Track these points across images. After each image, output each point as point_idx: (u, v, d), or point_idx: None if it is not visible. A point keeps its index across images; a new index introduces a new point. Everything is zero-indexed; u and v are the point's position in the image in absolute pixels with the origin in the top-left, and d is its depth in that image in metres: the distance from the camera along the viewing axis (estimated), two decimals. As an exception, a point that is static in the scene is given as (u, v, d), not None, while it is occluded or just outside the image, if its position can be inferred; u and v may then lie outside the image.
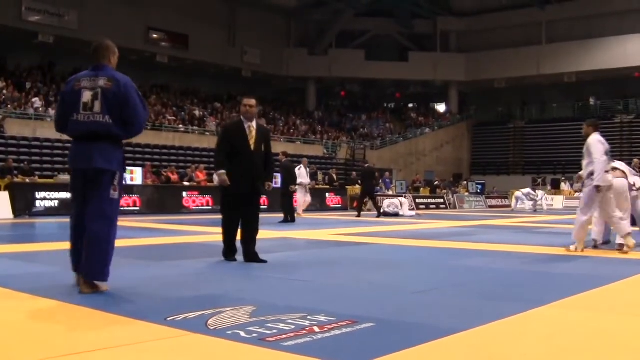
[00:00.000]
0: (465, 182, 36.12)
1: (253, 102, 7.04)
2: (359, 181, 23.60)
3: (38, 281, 5.38)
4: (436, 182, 33.42)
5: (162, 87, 36.36)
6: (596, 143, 8.36)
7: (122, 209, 17.76)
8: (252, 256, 6.92)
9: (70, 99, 4.86)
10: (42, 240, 10.00)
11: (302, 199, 18.39)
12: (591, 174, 8.32)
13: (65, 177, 19.30)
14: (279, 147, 32.70)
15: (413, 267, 6.95)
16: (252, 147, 6.98)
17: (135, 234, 10.98)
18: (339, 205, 24.78)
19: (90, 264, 4.70)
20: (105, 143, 4.79)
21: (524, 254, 8.40)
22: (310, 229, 12.98)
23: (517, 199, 28.09)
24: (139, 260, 7.10)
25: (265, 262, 6.86)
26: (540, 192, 28.41)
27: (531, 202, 27.01)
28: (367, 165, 21.52)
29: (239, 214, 6.97)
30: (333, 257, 7.83)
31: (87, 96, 4.79)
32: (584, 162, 8.48)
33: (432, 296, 4.95)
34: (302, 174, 17.92)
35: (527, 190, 28.37)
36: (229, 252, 7.07)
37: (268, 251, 8.06)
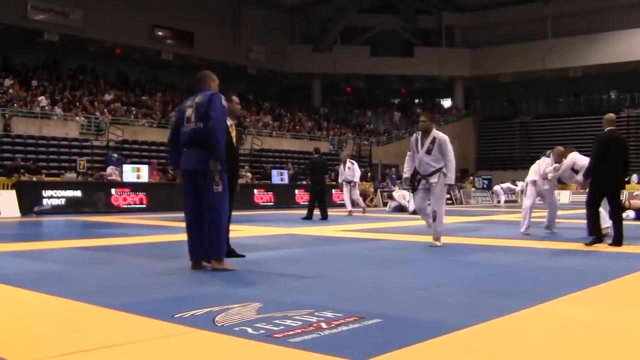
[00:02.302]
0: (471, 178, 36.05)
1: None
2: (306, 175, 20.09)
3: (44, 279, 5.40)
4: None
5: (168, 84, 36.40)
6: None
7: (128, 206, 17.97)
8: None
9: (179, 115, 6.09)
10: (49, 238, 10.02)
11: (346, 196, 18.04)
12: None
13: (71, 176, 19.37)
14: (285, 143, 32.83)
15: (419, 263, 6.94)
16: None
17: (142, 231, 11.00)
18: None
19: (209, 248, 5.84)
20: (201, 148, 5.79)
21: (530, 248, 8.38)
22: (315, 225, 12.98)
23: (496, 193, 27.49)
24: (146, 258, 7.12)
25: (243, 256, 6.88)
26: (521, 184, 27.68)
27: (504, 197, 26.32)
28: (317, 155, 16.27)
29: None
30: (339, 254, 7.83)
31: (188, 112, 5.92)
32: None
33: (439, 292, 4.94)
34: (340, 170, 17.96)
35: (507, 184, 27.34)
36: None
37: (274, 247, 8.06)
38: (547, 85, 44.86)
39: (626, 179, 8.67)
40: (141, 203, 18.55)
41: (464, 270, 6.20)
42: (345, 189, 17.76)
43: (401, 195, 21.14)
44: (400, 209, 20.58)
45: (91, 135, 25.12)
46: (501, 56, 43.64)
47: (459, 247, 8.57)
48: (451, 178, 8.30)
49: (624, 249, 8.25)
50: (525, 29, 43.48)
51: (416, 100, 51.06)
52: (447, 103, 50.71)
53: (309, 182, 16.13)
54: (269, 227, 12.03)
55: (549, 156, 11.01)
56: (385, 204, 23.70)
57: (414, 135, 8.70)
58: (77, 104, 27.24)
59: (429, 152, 8.33)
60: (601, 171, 8.52)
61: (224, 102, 5.92)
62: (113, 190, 18.15)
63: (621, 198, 9.42)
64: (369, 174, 31.34)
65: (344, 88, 49.58)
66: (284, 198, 22.57)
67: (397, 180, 28.68)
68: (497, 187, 27.41)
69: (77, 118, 25.50)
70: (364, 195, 25.19)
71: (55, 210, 16.61)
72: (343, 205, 23.71)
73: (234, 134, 7.19)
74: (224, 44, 38.72)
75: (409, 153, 8.74)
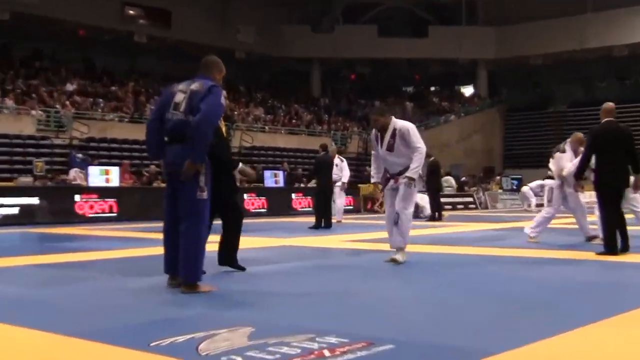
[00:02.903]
0: (498, 178, 36.06)
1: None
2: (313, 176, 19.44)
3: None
4: (463, 178, 33.37)
5: (141, 72, 36.46)
6: None
7: (96, 215, 17.97)
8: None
9: (166, 98, 5.95)
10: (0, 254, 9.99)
11: (339, 201, 17.74)
12: None
13: (26, 180, 19.33)
14: (279, 139, 32.87)
15: (437, 277, 6.93)
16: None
17: (112, 244, 10.99)
18: (351, 207, 24.77)
19: (183, 269, 5.75)
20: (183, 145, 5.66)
21: (567, 260, 8.37)
22: (317, 235, 12.98)
23: (524, 196, 27.04)
24: (117, 276, 7.11)
25: (243, 269, 7.06)
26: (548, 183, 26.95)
27: (535, 200, 25.80)
28: (323, 152, 16.27)
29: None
30: (345, 267, 7.83)
31: (179, 97, 5.79)
32: None
33: (461, 311, 4.93)
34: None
35: (537, 182, 25.90)
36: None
37: (268, 261, 8.05)
38: (586, 67, 44.86)
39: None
40: (111, 211, 18.54)
41: (489, 286, 6.19)
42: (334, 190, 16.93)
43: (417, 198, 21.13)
44: (414, 214, 20.54)
45: (50, 132, 25.13)
46: (532, 35, 43.58)
47: (479, 259, 8.56)
48: (415, 170, 7.76)
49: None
50: (560, 2, 43.41)
51: (432, 88, 51.18)
52: (468, 91, 50.78)
53: (316, 183, 15.97)
54: (261, 238, 12.01)
55: (564, 151, 10.98)
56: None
57: (374, 130, 8.28)
58: (33, 95, 27.18)
59: (390, 148, 7.90)
60: (604, 172, 8.64)
61: (224, 100, 5.81)
62: (77, 197, 18.14)
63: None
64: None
65: (348, 75, 49.67)
66: (278, 204, 22.56)
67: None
68: (525, 189, 27.26)
69: (33, 112, 25.50)
70: (372, 199, 25.22)
71: (7, 221, 16.56)
72: (351, 212, 23.68)
73: (224, 129, 7.17)
74: (206, 24, 38.78)
75: (373, 152, 8.45)
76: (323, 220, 15.05)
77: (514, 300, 5.40)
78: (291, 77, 46.28)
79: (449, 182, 30.06)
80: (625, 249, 8.67)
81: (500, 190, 33.05)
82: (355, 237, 12.41)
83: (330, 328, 4.15)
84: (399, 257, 7.86)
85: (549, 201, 11.06)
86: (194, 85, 5.76)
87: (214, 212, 6.53)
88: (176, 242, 5.80)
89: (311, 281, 6.65)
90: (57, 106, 26.74)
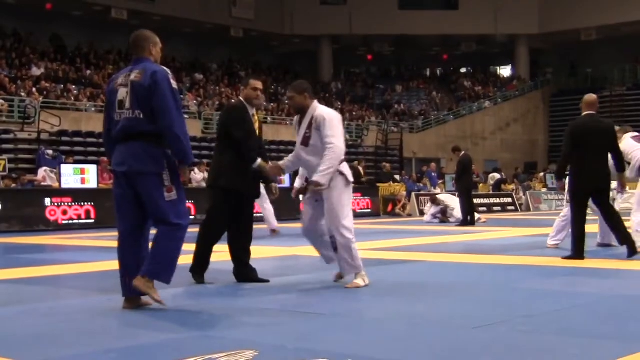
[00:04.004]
0: (541, 174, 35.96)
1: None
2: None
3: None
4: (500, 176, 33.30)
5: (120, 54, 36.48)
6: None
7: (70, 222, 18.03)
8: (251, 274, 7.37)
9: (109, 98, 6.00)
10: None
11: None
12: None
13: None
14: (284, 132, 32.84)
15: (471, 292, 6.94)
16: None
17: (88, 255, 11.05)
18: (369, 210, 24.76)
19: (152, 260, 5.77)
20: (139, 142, 5.78)
21: (624, 271, 8.37)
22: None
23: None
24: (92, 293, 7.16)
25: (267, 281, 7.31)
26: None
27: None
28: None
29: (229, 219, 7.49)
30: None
31: (122, 94, 5.84)
32: None
33: (498, 332, 4.95)
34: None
35: None
36: (200, 269, 7.52)
37: (274, 274, 8.08)
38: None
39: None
40: (87, 217, 18.59)
41: (531, 302, 6.21)
42: None
43: (445, 199, 21.13)
44: (441, 218, 20.56)
45: (14, 124, 25.16)
46: (583, 4, 43.34)
47: (520, 271, 8.57)
48: (323, 174, 6.81)
49: None
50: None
51: (462, 70, 51.03)
52: (505, 72, 50.69)
53: None
54: (264, 247, 12.04)
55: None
56: (422, 213, 23.69)
57: (296, 117, 7.51)
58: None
59: (305, 142, 7.13)
60: (578, 169, 9.06)
61: (173, 81, 5.82)
62: (47, 200, 18.20)
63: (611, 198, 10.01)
64: (402, 172, 31.35)
65: (364, 55, 49.62)
66: (284, 206, 22.55)
67: (438, 180, 28.66)
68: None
69: (-6, 101, 25.57)
70: (393, 200, 25.23)
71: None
72: (369, 215, 23.67)
73: (257, 125, 7.50)
74: (196, -4, 38.82)
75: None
76: None
77: (567, 319, 5.42)
78: (297, 58, 46.30)
79: (494, 179, 30.06)
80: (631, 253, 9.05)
81: (544, 189, 32.94)
82: (373, 245, 12.40)
83: (345, 351, 4.18)
84: (359, 281, 7.07)
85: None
86: (133, 75, 5.82)
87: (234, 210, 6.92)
88: (137, 252, 5.92)
89: (323, 297, 6.67)
90: (22, 94, 26.79)
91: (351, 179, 7.14)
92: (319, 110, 7.15)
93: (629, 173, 10.00)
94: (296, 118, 7.39)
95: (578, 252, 9.09)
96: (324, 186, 6.79)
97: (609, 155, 9.23)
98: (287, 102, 8.10)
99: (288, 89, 8.02)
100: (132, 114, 5.76)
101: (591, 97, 9.44)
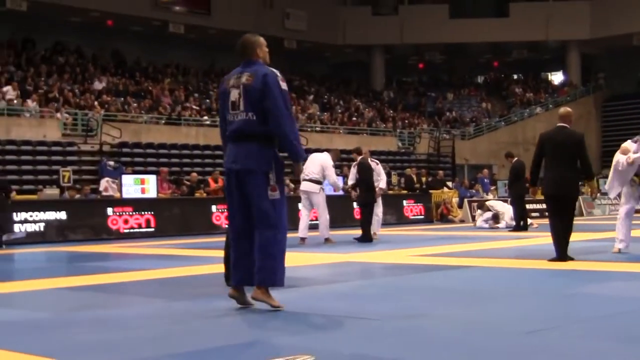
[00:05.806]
0: (594, 179, 35.53)
1: None
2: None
3: (19, 332, 5.50)
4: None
5: (178, 67, 36.85)
6: None
7: (131, 230, 18.24)
8: None
9: (222, 99, 6.31)
10: (24, 276, 10.19)
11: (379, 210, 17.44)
12: None
13: (52, 192, 19.66)
14: (337, 140, 32.84)
15: (524, 297, 6.89)
16: None
17: (150, 263, 11.16)
18: (421, 216, 24.66)
19: (260, 269, 5.96)
20: (253, 142, 6.06)
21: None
22: (384, 250, 12.95)
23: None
24: (156, 299, 7.23)
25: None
26: None
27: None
28: (361, 157, 16.45)
29: None
30: (414, 287, 7.82)
31: (234, 95, 6.14)
32: None
33: (550, 338, 4.90)
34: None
35: None
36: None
37: (326, 280, 8.10)
38: None
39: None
40: (148, 226, 18.78)
41: (584, 307, 6.15)
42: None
43: (494, 204, 20.91)
44: (491, 224, 20.36)
45: (78, 137, 25.50)
46: (634, 9, 42.65)
47: (573, 276, 8.49)
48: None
49: None
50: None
51: (514, 76, 50.58)
52: (557, 78, 50.10)
53: (365, 191, 15.88)
54: (317, 254, 12.08)
55: (636, 141, 11.10)
56: (474, 218, 23.52)
57: None
58: (57, 95, 27.45)
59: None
60: (544, 176, 9.84)
61: (282, 83, 6.08)
62: (110, 210, 18.43)
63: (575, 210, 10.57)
64: (454, 179, 31.16)
65: (415, 63, 49.45)
66: (338, 213, 22.55)
67: (490, 187, 28.43)
68: (626, 190, 26.67)
69: (58, 114, 25.83)
70: (445, 207, 25.07)
71: (32, 238, 16.87)
72: (422, 222, 23.60)
73: None
74: (251, 9, 39.03)
75: None
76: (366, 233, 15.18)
77: (622, 325, 5.35)
78: (349, 68, 46.28)
79: None
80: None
81: (597, 194, 32.51)
82: (427, 250, 12.37)
83: (400, 356, 4.18)
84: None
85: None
86: (245, 78, 6.10)
87: None
88: (247, 248, 6.11)
89: (378, 302, 6.66)
90: (85, 107, 27.18)
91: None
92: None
93: None
94: None
95: (561, 254, 9.60)
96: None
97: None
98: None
99: None
100: (245, 116, 6.06)
101: (565, 110, 10.12)
